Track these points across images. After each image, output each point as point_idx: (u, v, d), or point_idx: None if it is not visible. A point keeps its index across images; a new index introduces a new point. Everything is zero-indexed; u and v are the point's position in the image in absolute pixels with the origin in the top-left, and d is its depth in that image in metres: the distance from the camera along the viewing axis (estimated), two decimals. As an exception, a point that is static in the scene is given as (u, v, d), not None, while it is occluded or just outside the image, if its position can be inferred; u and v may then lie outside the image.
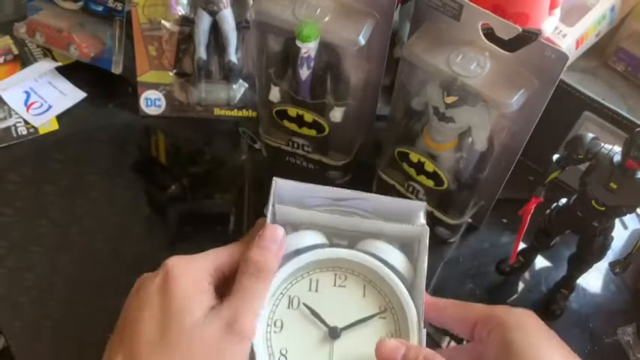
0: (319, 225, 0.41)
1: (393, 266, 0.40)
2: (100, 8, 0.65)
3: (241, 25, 0.60)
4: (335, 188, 0.42)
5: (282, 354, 0.38)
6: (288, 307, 0.39)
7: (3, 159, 0.61)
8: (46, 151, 0.62)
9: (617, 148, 0.42)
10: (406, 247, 0.42)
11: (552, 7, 0.55)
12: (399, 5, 0.66)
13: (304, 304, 0.39)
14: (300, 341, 0.38)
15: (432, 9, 0.45)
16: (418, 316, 0.38)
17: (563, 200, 0.48)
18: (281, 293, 0.40)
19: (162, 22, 0.61)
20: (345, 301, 0.39)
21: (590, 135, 0.44)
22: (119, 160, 0.62)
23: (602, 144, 0.43)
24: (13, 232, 0.55)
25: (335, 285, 0.40)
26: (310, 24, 0.47)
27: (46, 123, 0.64)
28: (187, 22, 0.60)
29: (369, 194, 0.41)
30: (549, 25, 0.55)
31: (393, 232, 0.41)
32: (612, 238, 0.47)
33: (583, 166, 0.44)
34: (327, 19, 0.47)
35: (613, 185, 0.42)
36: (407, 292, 0.39)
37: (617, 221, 0.47)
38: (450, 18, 0.45)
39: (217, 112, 0.65)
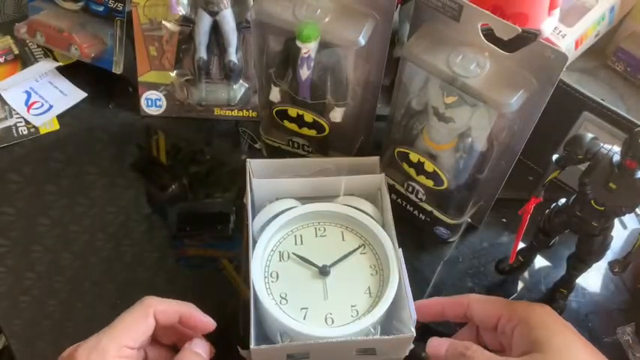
0: (293, 193, 0.49)
1: (364, 211, 0.48)
2: (100, 8, 0.65)
3: (242, 26, 0.60)
4: (303, 159, 0.53)
5: (282, 297, 0.44)
6: (280, 261, 0.46)
7: (4, 159, 0.61)
8: (46, 151, 0.62)
9: (617, 148, 0.42)
10: (371, 198, 0.50)
11: (552, 7, 0.55)
12: (399, 6, 0.66)
13: (294, 254, 0.46)
14: (296, 283, 0.45)
15: (432, 9, 0.45)
16: (393, 244, 0.46)
17: (563, 200, 0.48)
18: (272, 250, 0.47)
19: (163, 22, 0.61)
20: (329, 246, 0.47)
21: (590, 135, 0.44)
22: (120, 159, 0.62)
23: (602, 144, 0.43)
24: (13, 231, 0.55)
25: (317, 236, 0.48)
26: (310, 24, 0.47)
27: (46, 123, 0.64)
28: (188, 22, 0.60)
29: (330, 159, 0.52)
30: (549, 26, 0.55)
31: (356, 184, 0.49)
32: (611, 238, 0.47)
33: (582, 166, 0.44)
34: (327, 19, 0.47)
35: (612, 185, 0.42)
36: (381, 228, 0.47)
37: (616, 221, 0.47)
38: (449, 18, 0.45)
39: (218, 112, 0.65)
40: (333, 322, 0.43)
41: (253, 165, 0.50)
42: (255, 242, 0.46)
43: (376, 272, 0.46)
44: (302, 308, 0.43)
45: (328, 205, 0.48)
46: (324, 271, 0.45)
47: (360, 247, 0.47)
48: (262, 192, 0.50)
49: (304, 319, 0.43)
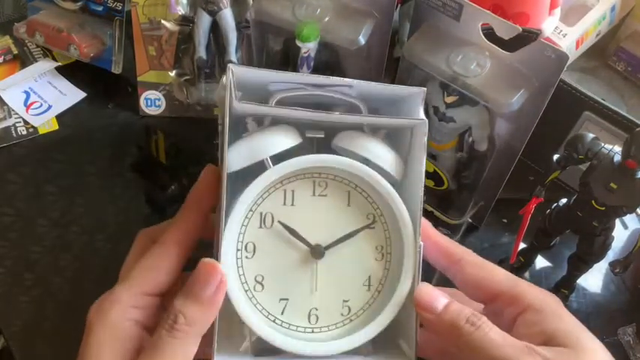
0: (292, 118, 0.33)
1: (379, 166, 0.33)
2: (99, 8, 0.65)
3: (241, 25, 0.60)
4: (308, 75, 0.37)
5: (257, 281, 0.33)
6: (260, 227, 0.33)
7: (3, 159, 0.61)
8: (45, 151, 0.62)
9: (618, 148, 0.42)
10: (394, 138, 0.34)
11: (552, 6, 0.55)
12: (399, 5, 0.66)
13: (279, 222, 0.33)
14: (278, 264, 0.33)
15: (432, 9, 0.45)
16: (413, 226, 0.33)
17: (564, 200, 0.48)
18: (250, 210, 0.33)
19: (162, 21, 0.61)
20: (328, 213, 0.33)
21: (591, 135, 0.44)
22: (119, 160, 0.62)
23: (603, 144, 0.43)
24: (12, 232, 0.55)
25: (314, 194, 0.33)
26: (310, 24, 0.47)
27: (45, 123, 0.64)
28: (187, 21, 0.60)
29: (352, 80, 0.34)
30: (549, 25, 0.55)
31: (383, 126, 0.34)
32: (612, 238, 0.47)
33: (583, 166, 0.44)
34: (327, 18, 0.47)
35: (613, 185, 0.42)
36: (399, 198, 0.33)
37: (617, 221, 0.47)
38: (449, 18, 0.44)
39: (217, 111, 0.65)
40: (317, 320, 0.33)
41: (237, 73, 0.32)
42: (229, 193, 0.32)
43: (382, 257, 0.34)
44: (281, 299, 0.33)
45: (337, 160, 0.33)
46: (316, 253, 0.33)
47: (369, 222, 0.34)
48: (246, 115, 0.34)
49: (282, 313, 0.33)
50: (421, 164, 0.33)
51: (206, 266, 0.30)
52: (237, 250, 0.33)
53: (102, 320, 0.31)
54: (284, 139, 0.33)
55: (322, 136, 0.34)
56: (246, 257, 0.33)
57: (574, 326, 0.32)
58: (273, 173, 0.32)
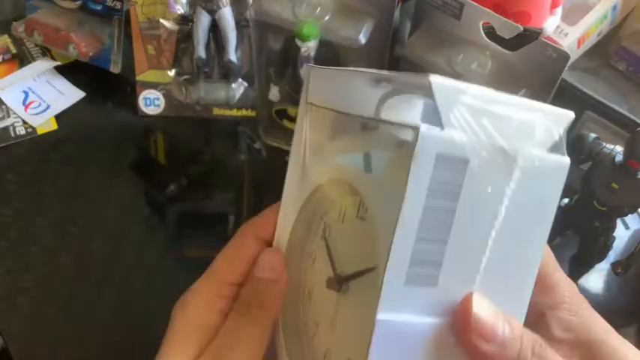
0: None
1: None
2: (98, 7, 0.64)
3: (241, 24, 0.60)
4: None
5: (309, 293, 0.30)
6: (322, 239, 0.29)
7: (1, 159, 0.60)
8: (44, 151, 0.61)
9: (619, 148, 0.42)
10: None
11: (554, 5, 0.54)
12: (400, 4, 0.65)
13: (324, 238, 0.29)
14: (319, 285, 0.28)
15: (433, 8, 0.45)
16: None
17: (565, 200, 0.48)
18: (320, 218, 0.29)
19: (161, 21, 0.61)
20: (361, 240, 0.26)
21: (592, 135, 0.43)
22: (118, 159, 0.61)
23: (604, 144, 0.43)
24: (11, 232, 0.55)
25: (357, 216, 0.27)
26: (310, 23, 0.47)
27: (44, 123, 0.63)
28: (186, 21, 0.60)
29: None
30: (551, 24, 0.54)
31: None
32: (614, 239, 0.47)
33: (584, 166, 0.44)
34: (327, 17, 0.47)
35: (615, 185, 0.42)
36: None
37: (618, 221, 0.47)
38: (450, 17, 0.44)
39: (216, 111, 0.65)
40: None
41: (314, 75, 0.29)
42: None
43: None
44: (315, 321, 0.29)
45: None
46: (335, 284, 0.27)
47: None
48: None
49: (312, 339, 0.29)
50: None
51: (269, 253, 0.31)
52: (308, 257, 0.30)
53: (182, 311, 0.31)
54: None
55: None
56: (309, 265, 0.30)
57: (609, 333, 0.28)
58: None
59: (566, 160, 0.27)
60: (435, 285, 0.24)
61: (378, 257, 0.24)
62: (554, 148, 0.27)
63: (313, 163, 0.30)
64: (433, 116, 0.23)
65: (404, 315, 0.23)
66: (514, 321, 0.25)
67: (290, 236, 0.31)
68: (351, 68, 0.31)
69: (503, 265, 0.25)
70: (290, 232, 0.30)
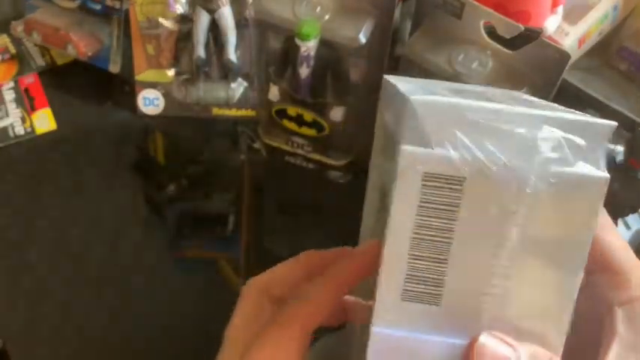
0: None
1: None
2: (97, 7, 0.64)
3: (240, 24, 0.60)
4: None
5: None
6: None
7: (0, 159, 0.60)
8: (43, 151, 0.61)
9: (620, 148, 0.42)
10: None
11: (555, 5, 0.54)
12: (400, 3, 0.65)
13: None
14: None
15: (434, 7, 0.45)
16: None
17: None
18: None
19: (161, 20, 0.61)
20: None
21: (593, 134, 0.43)
22: (117, 159, 0.61)
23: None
24: (10, 232, 0.55)
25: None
26: (310, 22, 0.46)
27: (43, 122, 0.63)
28: (186, 20, 0.60)
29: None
30: (552, 24, 0.54)
31: None
32: (615, 239, 0.47)
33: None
34: (327, 17, 0.47)
35: (615, 185, 0.42)
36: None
37: (619, 221, 0.46)
38: (451, 16, 0.44)
39: (216, 111, 0.65)
40: None
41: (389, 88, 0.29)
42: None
43: None
44: None
45: None
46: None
47: None
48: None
49: None
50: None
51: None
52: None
53: None
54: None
55: None
56: None
57: None
58: None
59: (601, 174, 0.23)
60: (437, 304, 0.23)
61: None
62: (586, 161, 0.23)
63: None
64: (421, 136, 0.23)
65: (402, 331, 0.24)
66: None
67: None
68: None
69: (525, 292, 0.24)
70: None
